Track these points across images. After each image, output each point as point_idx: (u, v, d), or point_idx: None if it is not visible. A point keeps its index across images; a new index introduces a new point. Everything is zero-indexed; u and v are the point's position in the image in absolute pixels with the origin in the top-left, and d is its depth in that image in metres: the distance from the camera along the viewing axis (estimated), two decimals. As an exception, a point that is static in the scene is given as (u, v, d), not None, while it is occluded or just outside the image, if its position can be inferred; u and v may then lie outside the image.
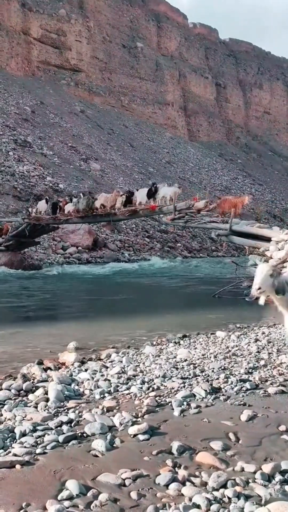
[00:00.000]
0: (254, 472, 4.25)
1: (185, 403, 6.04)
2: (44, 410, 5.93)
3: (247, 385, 6.67)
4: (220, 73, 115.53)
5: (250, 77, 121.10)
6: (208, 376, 7.19)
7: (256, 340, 10.00)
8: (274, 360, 8.15)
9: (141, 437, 5.02)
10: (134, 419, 5.51)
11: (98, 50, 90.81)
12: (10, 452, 4.74)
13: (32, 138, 59.35)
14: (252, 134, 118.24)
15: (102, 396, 6.46)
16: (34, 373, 7.67)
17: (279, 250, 18.91)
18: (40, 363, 8.38)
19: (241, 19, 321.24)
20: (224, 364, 7.88)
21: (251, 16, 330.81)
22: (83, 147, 66.99)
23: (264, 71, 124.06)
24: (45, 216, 30.35)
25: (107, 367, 7.96)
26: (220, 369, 7.55)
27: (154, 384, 6.87)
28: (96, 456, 4.65)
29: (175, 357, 8.61)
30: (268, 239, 19.51)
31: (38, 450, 4.74)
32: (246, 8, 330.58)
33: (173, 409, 5.86)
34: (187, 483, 4.10)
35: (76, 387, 6.85)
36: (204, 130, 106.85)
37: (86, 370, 7.85)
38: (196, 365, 7.87)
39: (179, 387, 6.69)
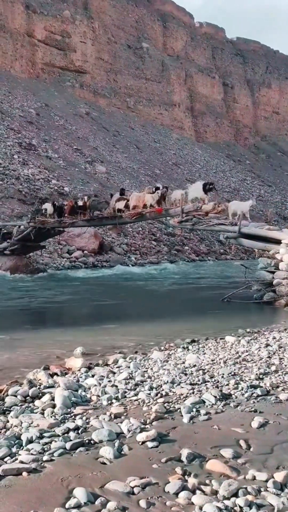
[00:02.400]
0: (266, 481, 4.17)
1: (194, 409, 5.95)
2: (51, 417, 5.86)
3: (258, 391, 6.58)
4: (228, 73, 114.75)
5: (258, 76, 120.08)
6: (218, 382, 7.11)
7: (267, 345, 9.90)
8: (286, 365, 8.06)
9: (149, 444, 4.94)
10: (143, 426, 5.43)
11: (103, 51, 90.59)
12: (17, 459, 4.69)
13: (37, 141, 59.33)
14: (261, 134, 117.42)
15: (109, 402, 6.39)
16: (40, 379, 7.60)
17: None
18: (46, 368, 8.32)
19: (250, 18, 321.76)
20: (234, 369, 7.79)
21: (260, 15, 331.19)
22: (89, 149, 66.92)
23: (272, 70, 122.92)
24: (50, 220, 30.28)
25: (114, 373, 7.88)
26: (230, 374, 7.46)
27: (163, 390, 6.79)
28: (104, 463, 4.59)
29: (183, 362, 8.52)
30: (278, 242, 19.40)
31: (45, 457, 4.68)
32: (255, 7, 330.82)
33: (182, 415, 5.78)
34: (197, 492, 4.03)
35: (83, 393, 6.78)
36: (212, 131, 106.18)
37: (93, 375, 7.78)
38: (205, 371, 7.78)
39: (188, 393, 6.61)
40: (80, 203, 29.62)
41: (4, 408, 6.31)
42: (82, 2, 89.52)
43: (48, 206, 30.98)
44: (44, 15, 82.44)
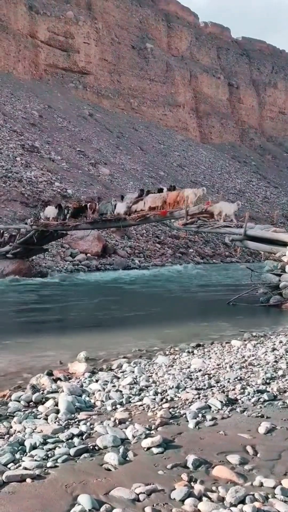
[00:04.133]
0: (274, 487, 4.11)
1: (200, 415, 5.89)
2: (55, 422, 5.82)
3: (265, 396, 6.51)
4: (233, 73, 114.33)
5: (264, 76, 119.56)
6: (224, 386, 7.04)
7: (273, 349, 9.81)
8: (293, 370, 7.96)
9: (155, 450, 4.89)
10: (148, 432, 5.38)
11: (106, 52, 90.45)
12: (20, 465, 4.65)
13: (40, 143, 59.31)
14: (267, 135, 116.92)
15: (114, 407, 6.34)
16: (43, 384, 7.55)
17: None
18: (49, 373, 8.27)
19: (256, 18, 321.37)
20: (240, 374, 7.71)
21: (266, 14, 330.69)
22: (92, 151, 66.84)
23: (278, 70, 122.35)
24: (53, 222, 30.23)
25: (118, 378, 7.83)
26: (236, 379, 7.39)
27: (168, 395, 6.73)
28: (109, 469, 4.55)
29: (189, 367, 8.45)
30: (284, 244, 19.33)
31: (49, 464, 4.64)
32: (260, 6, 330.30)
33: (187, 421, 5.72)
34: (204, 499, 3.97)
35: (87, 398, 6.74)
36: (217, 131, 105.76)
37: (97, 380, 7.72)
38: (211, 376, 7.71)
39: (193, 398, 6.55)
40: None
41: (8, 414, 6.28)
42: (85, 2, 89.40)
43: (51, 209, 30.85)
44: (47, 16, 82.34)
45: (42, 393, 7.01)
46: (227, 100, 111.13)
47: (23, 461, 4.73)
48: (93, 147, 68.71)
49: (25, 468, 4.54)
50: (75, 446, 4.99)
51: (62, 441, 5.17)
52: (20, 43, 77.46)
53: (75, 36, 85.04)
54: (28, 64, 78.50)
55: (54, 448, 5.00)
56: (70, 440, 5.20)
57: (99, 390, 7.07)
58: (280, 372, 7.75)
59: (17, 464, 4.67)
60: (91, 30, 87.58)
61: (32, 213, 38.79)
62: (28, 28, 79.48)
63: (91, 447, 5.02)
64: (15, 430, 5.63)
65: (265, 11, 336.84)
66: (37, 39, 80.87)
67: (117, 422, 5.74)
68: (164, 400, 6.53)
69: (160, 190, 26.48)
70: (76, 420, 5.89)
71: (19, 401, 6.70)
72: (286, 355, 9.14)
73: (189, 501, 3.91)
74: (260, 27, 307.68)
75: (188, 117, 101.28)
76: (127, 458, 4.75)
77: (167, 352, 10.16)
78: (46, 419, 5.95)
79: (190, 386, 7.08)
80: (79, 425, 5.69)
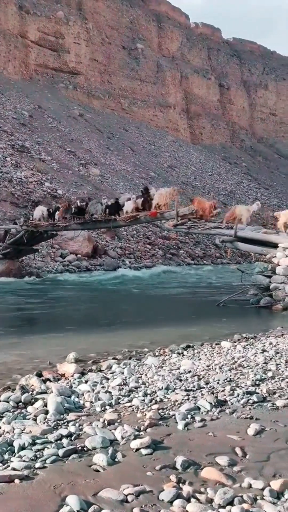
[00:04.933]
0: (263, 489, 4.11)
1: (189, 416, 5.89)
2: (44, 423, 5.81)
3: (254, 397, 6.51)
4: (224, 74, 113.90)
5: (255, 77, 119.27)
6: (213, 388, 7.04)
7: (263, 350, 9.81)
8: (283, 371, 7.98)
9: (143, 451, 4.88)
10: (137, 433, 5.37)
11: (97, 52, 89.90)
12: (8, 466, 4.64)
13: (30, 143, 59.01)
14: (257, 136, 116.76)
15: (103, 408, 6.33)
16: (33, 385, 7.52)
17: (287, 256, 18.79)
18: (39, 374, 8.24)
19: (252, 19, 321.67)
20: (230, 375, 7.72)
21: (261, 15, 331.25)
22: (82, 151, 66.56)
23: (269, 71, 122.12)
24: (43, 223, 30.13)
25: (108, 379, 7.82)
26: (225, 381, 7.39)
27: (157, 396, 6.73)
28: (97, 471, 4.54)
29: (178, 368, 8.45)
30: (275, 245, 19.36)
31: (37, 464, 4.63)
32: (257, 7, 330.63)
33: (177, 422, 5.72)
34: (192, 500, 3.97)
35: (76, 399, 6.72)
36: (207, 132, 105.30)
37: (86, 381, 7.71)
38: (201, 377, 7.72)
39: (183, 399, 6.55)
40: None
41: (-4, 414, 6.24)
42: (76, 2, 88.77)
43: (44, 210, 30.71)
44: (37, 15, 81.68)
45: (31, 394, 6.98)
46: (217, 101, 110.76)
47: (12, 461, 4.71)
48: (83, 147, 68.50)
49: (14, 469, 4.53)
50: (63, 447, 4.98)
51: (51, 442, 5.16)
52: (10, 43, 77.00)
53: (66, 36, 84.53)
54: (18, 64, 78.05)
55: (43, 449, 4.98)
56: (59, 441, 5.18)
57: (89, 391, 7.06)
58: (269, 374, 7.76)
59: (6, 465, 4.65)
60: (82, 30, 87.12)
61: (22, 214, 38.67)
62: (18, 28, 78.91)
63: (80, 448, 5.00)
64: (4, 431, 5.60)
65: (261, 13, 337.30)
66: (27, 39, 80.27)
67: (106, 423, 5.73)
68: (153, 401, 6.53)
69: (145, 191, 26.26)
70: (65, 421, 5.87)
71: (8, 402, 6.67)
72: (276, 356, 9.15)
73: (177, 502, 3.91)
74: (255, 28, 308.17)
75: (179, 118, 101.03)
76: (116, 459, 4.74)
77: (156, 353, 10.15)
78: (35, 420, 5.94)
79: (180, 388, 7.08)
80: (68, 426, 5.68)
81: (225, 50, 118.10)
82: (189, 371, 8.11)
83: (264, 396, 6.64)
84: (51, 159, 58.11)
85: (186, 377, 7.71)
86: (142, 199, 25.38)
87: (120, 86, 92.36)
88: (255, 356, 9.27)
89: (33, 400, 6.72)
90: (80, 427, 5.60)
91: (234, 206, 24.05)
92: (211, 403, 6.26)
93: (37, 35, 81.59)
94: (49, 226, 29.91)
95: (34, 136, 62.20)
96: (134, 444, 5.01)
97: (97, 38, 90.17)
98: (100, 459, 4.67)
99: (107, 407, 6.37)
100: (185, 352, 10.07)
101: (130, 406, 6.37)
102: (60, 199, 44.46)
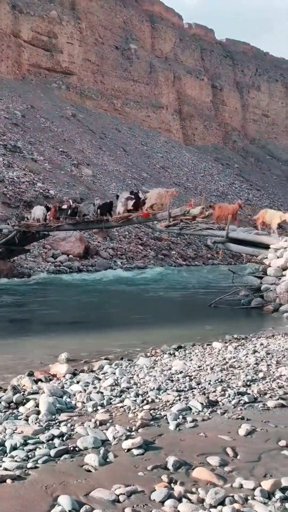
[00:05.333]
0: (253, 489, 4.13)
1: (180, 416, 5.91)
2: (35, 423, 5.81)
3: (245, 398, 6.53)
4: (216, 75, 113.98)
5: (248, 78, 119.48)
6: (205, 388, 7.06)
7: (254, 351, 9.85)
8: (273, 372, 8.01)
9: (135, 451, 4.89)
10: (128, 433, 5.38)
11: (90, 52, 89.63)
12: (0, 466, 4.63)
13: (22, 143, 58.76)
14: (250, 137, 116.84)
15: (94, 409, 6.34)
16: (24, 385, 7.52)
17: (278, 257, 18.84)
18: (30, 374, 8.24)
19: (247, 20, 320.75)
20: (221, 376, 7.74)
21: (256, 16, 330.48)
22: (75, 152, 66.38)
23: (262, 72, 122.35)
24: (35, 223, 30.09)
25: (99, 379, 7.82)
26: (217, 381, 7.41)
27: (149, 396, 6.74)
28: (89, 471, 4.54)
29: (170, 369, 8.46)
30: (266, 246, 19.42)
31: (29, 465, 4.63)
32: (252, 9, 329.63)
33: (168, 422, 5.74)
34: (184, 500, 3.99)
35: (68, 400, 6.72)
36: (200, 133, 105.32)
37: (78, 382, 7.71)
38: (192, 377, 7.73)
39: (174, 400, 6.56)
40: (65, 206, 29.30)
41: (-12, 415, 6.23)
42: (69, 2, 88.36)
43: (42, 210, 30.50)
44: (30, 15, 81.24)
45: (23, 394, 6.97)
46: (210, 102, 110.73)
47: (4, 461, 4.71)
48: (76, 147, 68.32)
49: (5, 469, 4.53)
50: (55, 447, 4.99)
51: (43, 442, 5.16)
52: (3, 43, 76.54)
53: (59, 36, 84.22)
54: (11, 63, 77.68)
55: (35, 449, 4.98)
56: (50, 441, 5.19)
57: (80, 392, 7.06)
58: (260, 374, 7.79)
59: (-3, 465, 4.64)
60: (75, 30, 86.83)
61: (14, 214, 38.54)
62: (11, 27, 78.49)
63: (71, 448, 5.01)
64: (-4, 431, 5.59)
65: (256, 14, 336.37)
66: (20, 38, 79.82)
67: (98, 424, 5.73)
68: (145, 401, 6.54)
69: (133, 193, 26.27)
70: (56, 421, 5.88)
71: (-1, 402, 6.67)
72: (267, 357, 9.19)
73: (169, 502, 3.92)
74: (250, 29, 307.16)
75: (172, 119, 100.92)
76: (108, 460, 4.75)
77: (148, 354, 10.17)
78: (27, 420, 5.94)
79: (171, 388, 7.09)
80: (59, 426, 5.69)
81: (218, 51, 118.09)
82: (181, 372, 8.12)
83: (255, 396, 6.66)
84: (43, 159, 57.93)
85: (177, 377, 7.72)
86: (133, 201, 25.40)
87: (113, 86, 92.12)
88: (246, 356, 9.30)
89: (24, 401, 6.72)
90: (72, 428, 5.60)
91: (264, 210, 23.73)
92: (202, 404, 6.27)
93: (30, 35, 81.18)
94: (41, 226, 29.87)
95: (27, 136, 61.96)
96: (126, 444, 5.02)
97: (90, 38, 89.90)
98: (91, 459, 4.68)
99: (99, 407, 6.37)
100: (176, 353, 10.08)
101: (122, 407, 6.37)
102: (52, 200, 44.35)
